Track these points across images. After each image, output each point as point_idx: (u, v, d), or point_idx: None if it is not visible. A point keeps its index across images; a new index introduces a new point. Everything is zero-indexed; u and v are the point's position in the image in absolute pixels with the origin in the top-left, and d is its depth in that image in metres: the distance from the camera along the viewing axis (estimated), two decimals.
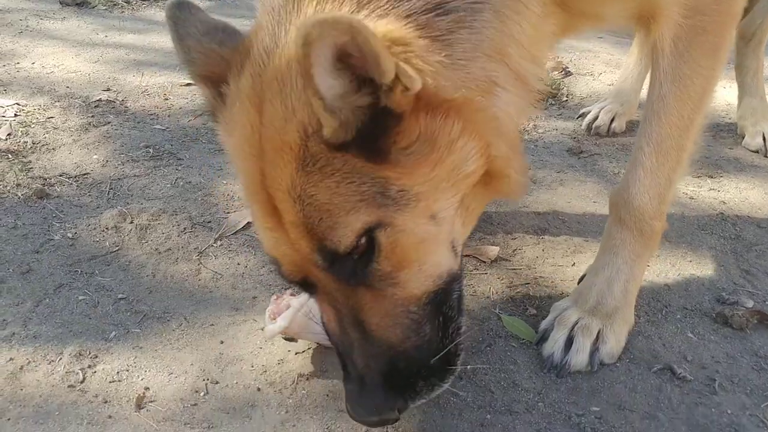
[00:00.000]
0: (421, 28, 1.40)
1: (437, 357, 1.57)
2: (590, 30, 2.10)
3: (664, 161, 1.92)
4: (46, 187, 2.63)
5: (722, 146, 3.29)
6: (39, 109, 3.26)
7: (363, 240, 1.42)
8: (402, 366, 1.53)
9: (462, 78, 1.45)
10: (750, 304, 2.17)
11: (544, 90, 1.69)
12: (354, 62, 1.28)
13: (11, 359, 1.88)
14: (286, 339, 1.94)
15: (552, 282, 2.27)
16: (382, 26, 1.35)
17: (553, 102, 3.74)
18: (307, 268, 1.50)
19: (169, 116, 3.30)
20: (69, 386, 1.80)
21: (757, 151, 3.22)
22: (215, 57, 1.59)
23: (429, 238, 1.50)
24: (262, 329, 1.93)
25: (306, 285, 1.58)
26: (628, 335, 1.99)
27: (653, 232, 2.00)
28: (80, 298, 2.11)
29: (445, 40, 1.43)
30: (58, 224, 2.44)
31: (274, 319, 1.86)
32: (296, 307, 1.83)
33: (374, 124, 1.36)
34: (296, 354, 1.92)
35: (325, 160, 1.38)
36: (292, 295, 1.93)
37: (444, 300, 1.58)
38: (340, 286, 1.50)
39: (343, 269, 1.46)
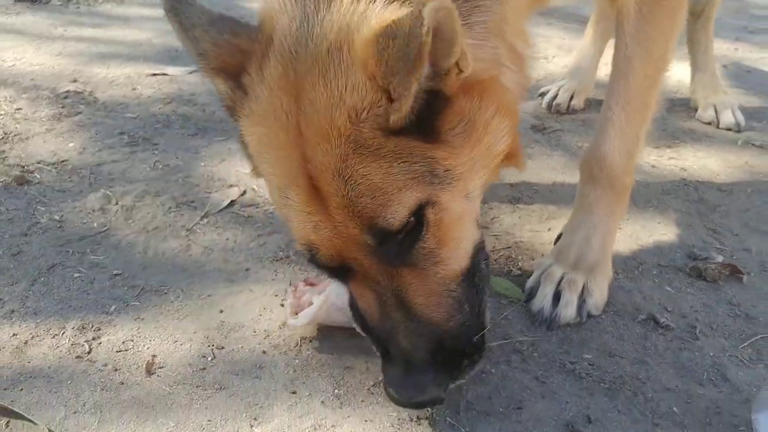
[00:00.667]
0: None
1: (479, 334, 1.62)
2: (560, 1, 2.22)
3: (632, 119, 2.07)
4: (26, 174, 2.61)
5: (678, 119, 3.45)
6: (6, 101, 3.22)
7: (413, 217, 1.45)
8: (448, 345, 1.56)
9: (484, 59, 1.52)
10: (720, 258, 2.31)
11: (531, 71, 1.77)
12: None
13: (14, 335, 1.88)
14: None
15: (531, 245, 2.38)
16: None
17: None
18: (349, 252, 1.50)
19: (138, 105, 3.29)
20: (77, 357, 1.82)
21: (710, 123, 3.40)
22: (229, 48, 1.55)
23: (464, 215, 1.56)
24: (283, 324, 1.94)
25: (342, 271, 1.58)
26: (609, 288, 2.10)
27: (624, 187, 2.14)
28: (75, 275, 2.12)
29: (467, 23, 1.49)
30: (42, 208, 2.43)
31: (296, 314, 1.87)
32: (317, 305, 1.84)
33: (429, 107, 1.41)
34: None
35: (379, 143, 1.40)
36: (309, 284, 1.95)
37: (475, 275, 1.63)
38: (382, 268, 1.51)
39: (390, 249, 1.47)
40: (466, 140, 1.48)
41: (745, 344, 1.96)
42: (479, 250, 1.65)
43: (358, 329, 1.69)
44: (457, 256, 1.57)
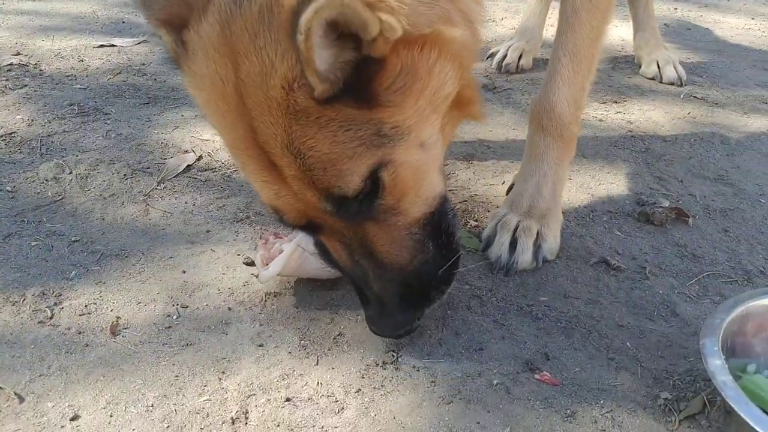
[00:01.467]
0: None
1: (443, 268, 1.68)
2: None
3: (578, 69, 2.13)
4: None
5: (622, 75, 3.55)
6: None
7: (368, 182, 1.48)
8: (414, 282, 1.65)
9: (430, 15, 1.51)
10: (666, 203, 2.40)
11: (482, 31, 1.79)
12: (340, 26, 1.32)
13: None
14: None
15: (486, 198, 2.43)
16: None
17: None
18: (312, 214, 1.54)
19: (87, 76, 3.24)
20: (39, 322, 1.81)
21: (653, 78, 3.51)
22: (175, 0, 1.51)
23: (421, 165, 1.58)
24: (256, 276, 1.95)
25: (311, 228, 1.63)
26: (561, 233, 2.17)
27: (572, 135, 2.20)
28: (32, 244, 2.10)
29: None
30: None
31: (267, 264, 1.88)
32: (288, 252, 1.86)
33: (359, 73, 1.39)
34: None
35: (317, 113, 1.38)
36: (277, 237, 1.97)
37: (441, 217, 1.69)
38: (346, 224, 1.57)
39: (349, 211, 1.51)
40: (409, 93, 1.48)
41: (692, 281, 2.05)
42: (444, 198, 1.70)
43: (335, 270, 1.76)
44: (415, 204, 1.61)
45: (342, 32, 1.34)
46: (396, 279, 1.62)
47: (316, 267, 1.84)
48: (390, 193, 1.54)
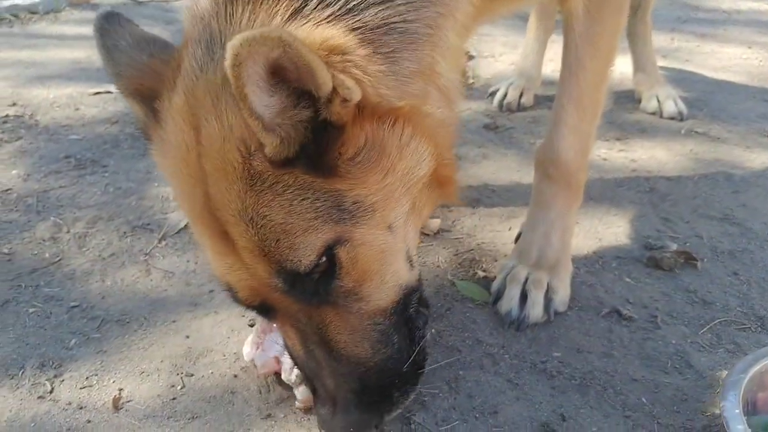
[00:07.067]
0: (367, 42, 1.38)
1: (407, 364, 1.56)
2: (506, 14, 2.23)
3: (583, 116, 2.09)
4: None
5: (624, 111, 3.52)
6: None
7: (323, 258, 1.38)
8: (374, 381, 1.51)
9: (405, 91, 1.44)
10: (674, 246, 2.36)
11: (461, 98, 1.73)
12: (289, 75, 1.24)
13: None
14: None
15: (494, 246, 2.39)
16: (320, 34, 1.32)
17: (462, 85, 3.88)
18: (265, 292, 1.44)
19: (83, 126, 3.21)
20: (38, 397, 1.76)
21: (654, 113, 3.48)
22: (146, 70, 1.51)
23: (387, 248, 1.48)
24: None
25: (264, 309, 1.52)
26: (571, 283, 2.13)
27: (579, 183, 2.16)
28: (30, 311, 2.05)
29: (390, 55, 1.41)
30: None
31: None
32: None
33: (317, 138, 1.32)
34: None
35: (273, 178, 1.32)
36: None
37: (407, 307, 1.58)
38: (302, 307, 1.46)
39: (304, 290, 1.41)
40: (373, 168, 1.40)
41: (705, 329, 2.00)
42: (413, 290, 1.59)
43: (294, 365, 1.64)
44: (380, 291, 1.50)
45: (295, 87, 1.27)
46: (353, 374, 1.48)
47: None
48: (348, 275, 1.42)
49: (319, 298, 1.43)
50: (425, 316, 1.65)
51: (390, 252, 1.49)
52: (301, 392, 1.68)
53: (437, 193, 1.60)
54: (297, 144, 1.30)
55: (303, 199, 1.34)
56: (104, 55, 1.55)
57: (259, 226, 1.34)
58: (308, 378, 1.56)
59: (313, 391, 1.56)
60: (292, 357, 1.58)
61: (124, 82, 1.53)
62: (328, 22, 1.35)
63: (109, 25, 1.55)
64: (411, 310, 1.59)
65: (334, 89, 1.27)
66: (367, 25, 1.38)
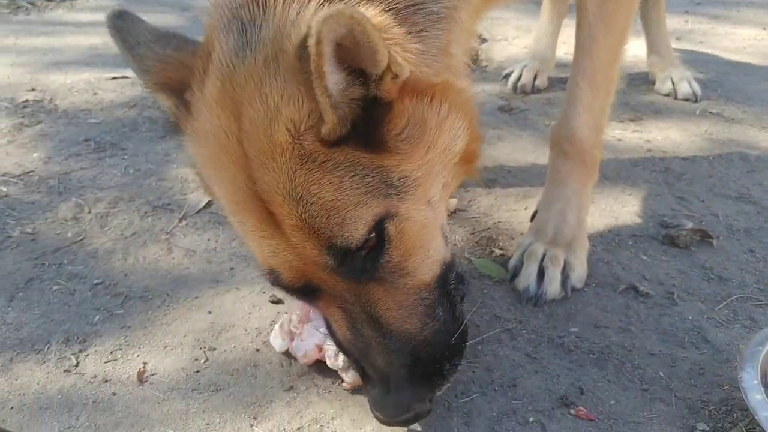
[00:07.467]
0: (401, 21, 1.42)
1: (455, 335, 1.56)
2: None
3: (597, 93, 2.11)
4: None
5: (637, 93, 3.53)
6: None
7: (372, 234, 1.39)
8: (425, 355, 1.50)
9: (439, 67, 1.49)
10: (690, 224, 2.38)
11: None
12: (346, 53, 1.26)
13: None
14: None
15: (510, 225, 2.41)
16: (369, 14, 1.31)
17: (475, 68, 3.89)
18: (312, 273, 1.44)
19: (101, 110, 3.24)
20: (65, 371, 1.80)
21: (668, 95, 3.48)
22: (172, 63, 1.52)
23: (428, 223, 1.49)
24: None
25: (309, 291, 1.50)
26: (587, 260, 2.14)
27: (594, 160, 2.18)
28: (54, 288, 2.09)
29: (421, 33, 1.47)
30: (13, 222, 2.39)
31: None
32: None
33: (367, 115, 1.35)
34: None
35: (324, 156, 1.33)
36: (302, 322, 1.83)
37: (447, 282, 1.58)
38: (349, 285, 1.45)
39: (352, 267, 1.41)
40: (418, 143, 1.42)
41: (721, 306, 2.02)
42: (450, 265, 1.60)
43: (338, 349, 1.64)
44: (425, 265, 1.51)
45: (349, 66, 1.30)
46: (404, 349, 1.48)
47: None
48: (396, 249, 1.44)
49: (366, 275, 1.44)
50: (462, 291, 1.65)
51: (431, 226, 1.51)
52: (350, 376, 1.70)
53: (463, 168, 1.62)
54: (350, 122, 1.32)
55: (353, 175, 1.36)
56: (127, 52, 1.54)
57: (309, 204, 1.34)
58: (356, 360, 1.55)
59: (361, 373, 1.55)
60: (338, 341, 1.57)
61: (151, 77, 1.53)
62: (363, 4, 1.38)
63: (123, 23, 1.55)
64: (451, 284, 1.60)
65: (388, 66, 1.30)
66: (397, 6, 1.43)
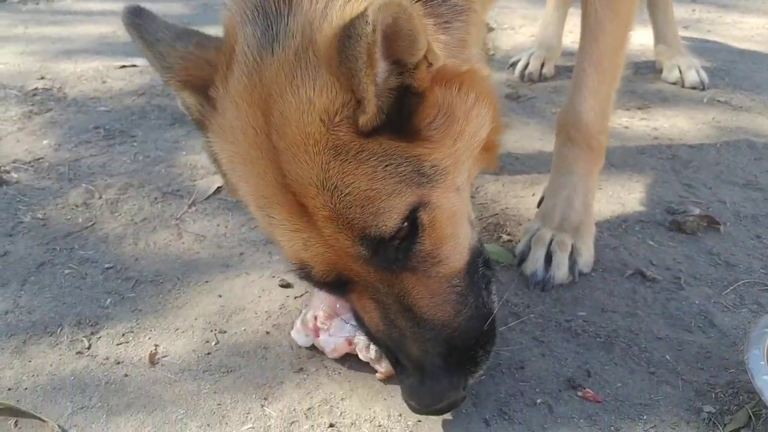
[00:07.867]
0: (428, 13, 1.44)
1: (488, 321, 1.57)
2: None
3: (603, 78, 2.12)
4: (2, 175, 2.57)
5: (644, 81, 3.53)
6: None
7: (406, 223, 1.40)
8: (460, 342, 1.51)
9: (465, 57, 1.52)
10: (696, 211, 2.38)
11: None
12: (386, 43, 1.27)
13: (12, 335, 1.87)
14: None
15: (517, 211, 2.42)
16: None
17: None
18: (344, 265, 1.44)
19: (111, 98, 3.26)
20: (77, 353, 1.82)
21: (675, 83, 3.49)
22: (194, 60, 1.50)
23: (457, 210, 1.51)
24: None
25: (340, 284, 1.50)
26: (594, 245, 2.15)
27: (600, 145, 2.19)
28: (66, 272, 2.11)
29: (445, 25, 1.50)
30: (24, 207, 2.41)
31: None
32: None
33: (400, 105, 1.36)
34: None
35: (358, 146, 1.33)
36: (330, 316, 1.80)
37: (476, 268, 1.59)
38: (382, 275, 1.45)
39: (386, 257, 1.41)
40: (447, 132, 1.43)
41: (728, 291, 2.03)
42: (479, 251, 1.61)
43: (368, 340, 1.65)
44: (456, 253, 1.52)
45: (387, 55, 1.30)
46: (439, 338, 1.48)
47: None
48: (428, 238, 1.44)
49: (399, 264, 1.44)
50: (490, 277, 1.66)
51: (460, 214, 1.53)
52: (384, 366, 1.70)
53: (483, 157, 1.62)
54: (384, 111, 1.33)
55: (387, 165, 1.36)
56: (147, 49, 1.52)
57: (343, 195, 1.34)
58: (389, 351, 1.55)
59: (394, 363, 1.55)
60: (369, 332, 1.57)
61: (173, 74, 1.51)
62: None
63: (140, 20, 1.54)
64: (480, 270, 1.61)
65: (424, 55, 1.32)
66: None
